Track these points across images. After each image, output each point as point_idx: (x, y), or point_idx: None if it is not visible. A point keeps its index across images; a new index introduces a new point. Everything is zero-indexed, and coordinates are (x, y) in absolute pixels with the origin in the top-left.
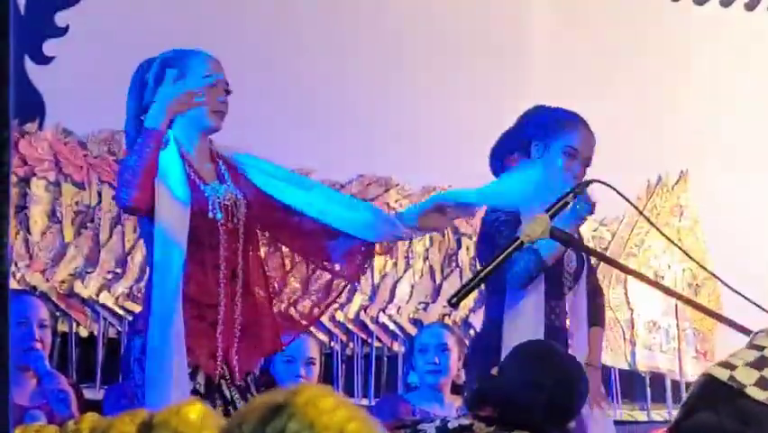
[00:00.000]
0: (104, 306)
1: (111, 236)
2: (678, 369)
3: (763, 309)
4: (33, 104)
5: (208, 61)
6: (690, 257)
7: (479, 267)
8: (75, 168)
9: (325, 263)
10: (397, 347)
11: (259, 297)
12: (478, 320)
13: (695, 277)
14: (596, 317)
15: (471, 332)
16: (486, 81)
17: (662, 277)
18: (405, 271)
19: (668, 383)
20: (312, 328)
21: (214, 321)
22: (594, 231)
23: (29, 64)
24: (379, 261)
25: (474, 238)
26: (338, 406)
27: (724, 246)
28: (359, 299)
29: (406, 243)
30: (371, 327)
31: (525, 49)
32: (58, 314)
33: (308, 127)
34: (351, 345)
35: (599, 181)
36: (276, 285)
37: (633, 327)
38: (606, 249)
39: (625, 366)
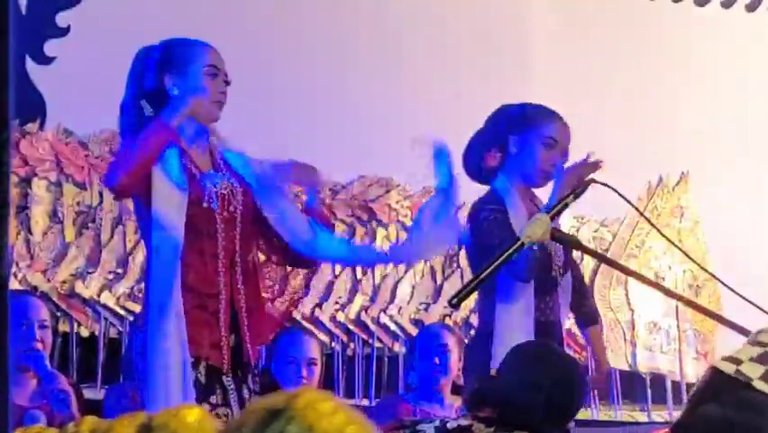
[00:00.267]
0: (105, 306)
1: (112, 237)
2: (678, 370)
3: (764, 311)
4: (34, 104)
5: (209, 51)
6: (691, 258)
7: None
8: (76, 168)
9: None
10: (398, 348)
11: (256, 287)
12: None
13: (695, 278)
14: (589, 315)
15: (472, 332)
16: (487, 82)
17: (663, 278)
18: (406, 272)
19: (668, 384)
20: (313, 329)
21: (216, 310)
22: (595, 232)
23: (30, 64)
24: None
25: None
26: (337, 410)
27: (724, 247)
28: (360, 300)
29: None
30: (372, 327)
31: (525, 50)
32: (59, 314)
33: (309, 127)
34: (351, 345)
35: (600, 182)
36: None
37: (633, 328)
38: (606, 250)
39: (625, 367)
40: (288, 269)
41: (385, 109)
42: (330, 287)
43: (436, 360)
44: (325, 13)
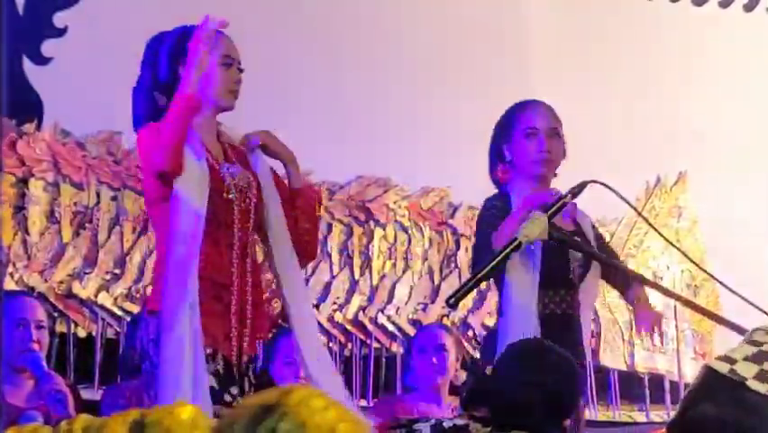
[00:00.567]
0: (102, 306)
1: (109, 237)
2: (677, 370)
3: (762, 310)
4: (32, 104)
5: (223, 41)
6: (689, 258)
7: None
8: (73, 168)
9: None
10: (396, 348)
11: (260, 280)
12: (476, 321)
13: (694, 278)
14: (625, 282)
15: (470, 333)
16: (485, 82)
17: (661, 278)
18: (403, 272)
19: (667, 384)
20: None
21: (229, 301)
22: None
23: (27, 64)
24: (377, 262)
25: (473, 240)
26: (329, 406)
27: (722, 247)
28: (357, 300)
29: (405, 244)
30: (370, 327)
31: (524, 49)
32: (56, 315)
33: (307, 128)
34: (349, 345)
35: (598, 182)
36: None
37: (632, 329)
38: None
39: (623, 367)
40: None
41: (383, 110)
42: (327, 287)
43: (434, 360)
44: (323, 13)
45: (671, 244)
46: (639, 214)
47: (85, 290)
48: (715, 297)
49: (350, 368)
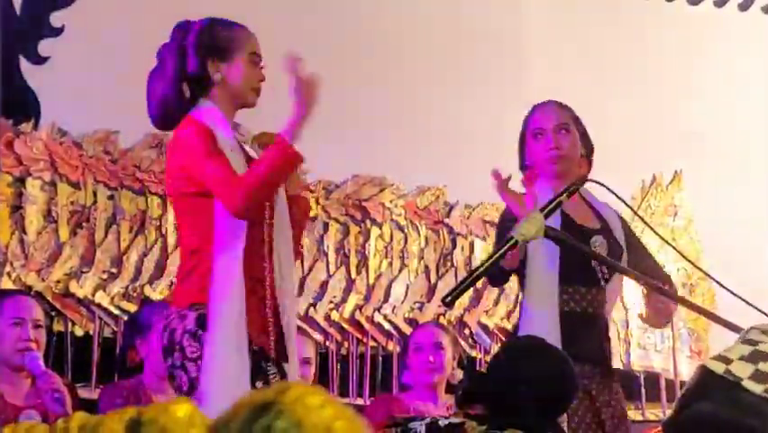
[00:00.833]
0: (99, 306)
1: (106, 236)
2: (672, 368)
3: (757, 309)
4: (28, 103)
5: (252, 38)
6: (685, 257)
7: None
8: (70, 168)
9: None
10: (392, 347)
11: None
12: (473, 320)
13: (689, 276)
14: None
15: (466, 331)
16: (481, 81)
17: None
18: (400, 271)
19: (662, 383)
20: (307, 328)
21: (263, 295)
22: None
23: (24, 64)
24: (374, 261)
25: (469, 238)
26: (325, 404)
27: (718, 246)
28: (354, 299)
29: (402, 242)
30: (367, 326)
31: (520, 49)
32: (53, 314)
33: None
34: (346, 344)
35: (594, 181)
36: None
37: (627, 327)
38: None
39: (619, 366)
40: None
41: (379, 108)
42: (324, 286)
43: (430, 358)
44: (321, 13)
45: (666, 242)
46: (635, 213)
47: (82, 289)
48: (710, 295)
49: (346, 367)
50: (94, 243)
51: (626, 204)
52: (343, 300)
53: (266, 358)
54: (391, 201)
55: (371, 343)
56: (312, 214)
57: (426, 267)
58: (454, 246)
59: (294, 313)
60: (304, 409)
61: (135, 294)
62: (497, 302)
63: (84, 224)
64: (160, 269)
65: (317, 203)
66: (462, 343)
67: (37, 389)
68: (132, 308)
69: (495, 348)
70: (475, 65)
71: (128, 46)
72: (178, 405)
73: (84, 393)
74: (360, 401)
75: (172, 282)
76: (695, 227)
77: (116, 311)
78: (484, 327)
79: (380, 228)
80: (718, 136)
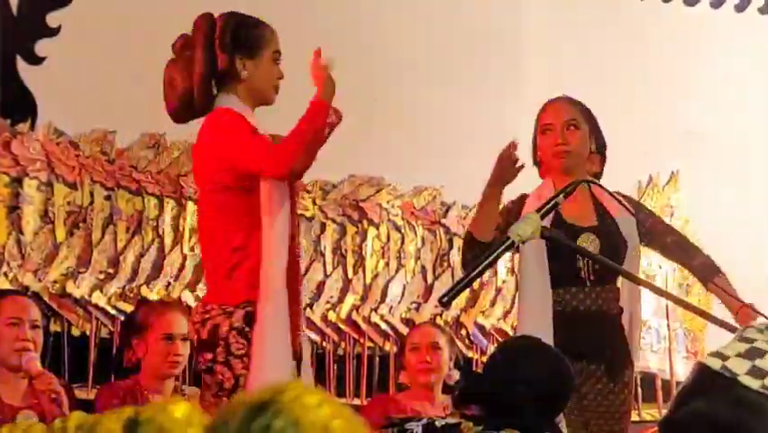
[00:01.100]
0: (96, 306)
1: (103, 237)
2: (668, 369)
3: (754, 309)
4: (25, 104)
5: (275, 35)
6: None
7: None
8: (67, 168)
9: None
10: (389, 347)
11: None
12: (469, 320)
13: (685, 277)
14: (702, 271)
15: (463, 332)
16: (479, 82)
17: (653, 277)
18: (397, 271)
19: (658, 383)
20: (304, 328)
21: (298, 291)
22: None
23: (21, 64)
24: (371, 261)
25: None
26: (323, 403)
27: (714, 246)
28: (351, 299)
29: (398, 243)
30: (363, 326)
31: (517, 49)
32: (50, 314)
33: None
34: (342, 344)
35: (590, 181)
36: None
37: None
38: None
39: None
40: None
41: (375, 109)
42: (321, 286)
43: (427, 359)
44: (318, 12)
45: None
46: (631, 213)
47: (79, 289)
48: (707, 295)
49: (343, 367)
50: (91, 243)
51: (622, 204)
52: (340, 301)
53: (297, 358)
54: (388, 201)
55: (368, 343)
56: (309, 214)
57: (423, 267)
58: (451, 247)
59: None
60: (301, 408)
61: (132, 294)
62: (493, 303)
63: (81, 224)
64: (156, 269)
65: (314, 203)
66: (459, 343)
67: (34, 389)
68: (129, 308)
69: (491, 349)
70: (473, 65)
71: (124, 46)
72: (175, 405)
73: (81, 394)
74: (356, 402)
75: (169, 283)
76: (691, 228)
77: (113, 311)
78: (481, 328)
79: (377, 229)
80: (715, 137)
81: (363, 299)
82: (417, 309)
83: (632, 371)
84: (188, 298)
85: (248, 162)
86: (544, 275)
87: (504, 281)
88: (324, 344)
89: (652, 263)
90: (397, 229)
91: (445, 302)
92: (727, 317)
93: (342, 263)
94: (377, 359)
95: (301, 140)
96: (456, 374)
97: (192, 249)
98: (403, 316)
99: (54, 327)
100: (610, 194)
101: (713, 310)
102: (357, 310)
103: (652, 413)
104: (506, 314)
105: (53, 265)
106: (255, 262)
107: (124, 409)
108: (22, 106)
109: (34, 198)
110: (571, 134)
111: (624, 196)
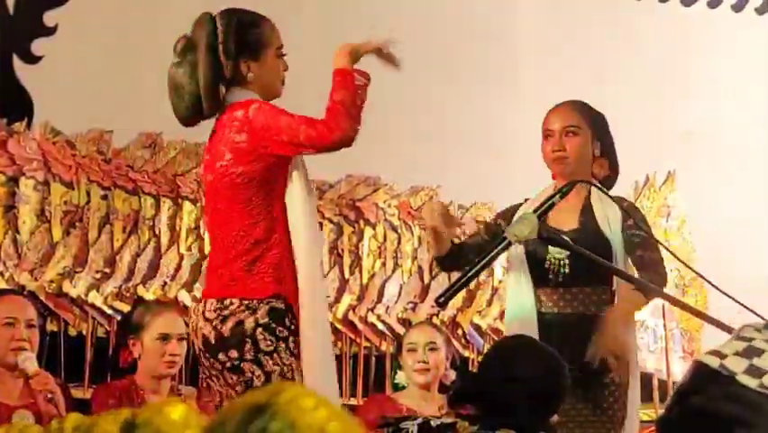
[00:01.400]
0: (92, 305)
1: (100, 236)
2: (665, 369)
3: (750, 309)
4: (22, 103)
5: (277, 31)
6: (677, 257)
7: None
8: (63, 167)
9: None
10: (386, 347)
11: None
12: (465, 320)
13: (682, 277)
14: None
15: (459, 332)
16: (475, 82)
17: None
18: (393, 271)
19: (655, 383)
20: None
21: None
22: None
23: (17, 63)
24: (367, 261)
25: (463, 239)
26: (320, 405)
27: (710, 246)
28: (347, 299)
29: (395, 243)
30: (360, 326)
31: (512, 49)
32: (46, 313)
33: None
34: (339, 344)
35: (586, 181)
36: None
37: None
38: None
39: None
40: None
41: (372, 108)
42: None
43: (424, 358)
44: (315, 11)
45: (659, 243)
46: (628, 213)
47: (75, 288)
48: (703, 296)
49: (339, 367)
50: (87, 242)
51: (618, 204)
52: (337, 300)
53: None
54: (385, 201)
55: (365, 343)
56: None
57: (420, 267)
58: None
59: None
60: (298, 410)
61: (128, 294)
62: (490, 303)
63: (77, 223)
64: (153, 269)
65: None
66: (455, 343)
67: (30, 389)
68: (126, 307)
69: (488, 348)
70: (470, 65)
71: (121, 46)
72: (172, 406)
73: (77, 393)
74: (353, 402)
75: (165, 282)
76: (688, 228)
77: (109, 311)
78: (477, 328)
79: (374, 228)
80: (712, 137)
81: (360, 298)
82: (414, 309)
83: (620, 372)
84: (185, 297)
85: (299, 136)
86: (523, 276)
87: (500, 281)
88: None
89: None
90: (394, 229)
91: (442, 302)
92: (723, 317)
93: (338, 263)
94: (373, 359)
95: (342, 106)
96: (453, 374)
97: (189, 249)
98: (400, 316)
99: (51, 327)
100: (610, 198)
101: (709, 311)
102: (354, 310)
103: (648, 413)
104: (502, 314)
105: (50, 265)
106: (278, 255)
107: (121, 411)
108: (18, 105)
109: (31, 197)
110: (569, 141)
111: (623, 201)
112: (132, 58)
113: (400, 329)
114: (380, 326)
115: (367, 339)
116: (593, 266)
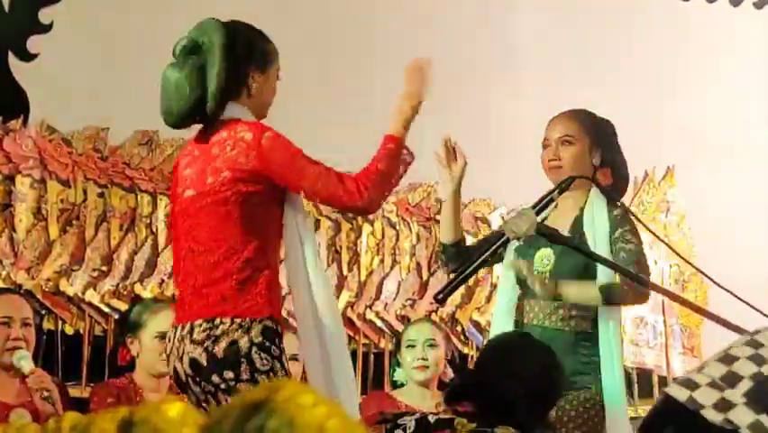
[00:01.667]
0: (89, 304)
1: (96, 234)
2: (665, 365)
3: (749, 305)
4: (18, 101)
5: (277, 52)
6: (677, 253)
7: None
8: (60, 165)
9: None
10: (384, 344)
11: None
12: (464, 316)
13: (682, 273)
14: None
15: (458, 328)
16: (472, 79)
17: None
18: (392, 268)
19: (655, 379)
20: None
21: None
22: None
23: (13, 61)
24: (366, 258)
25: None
26: (318, 403)
27: (710, 242)
28: (346, 296)
29: (393, 239)
30: (358, 323)
31: (512, 46)
32: (43, 312)
33: (294, 124)
34: None
35: (585, 178)
36: None
37: (620, 324)
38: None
39: None
40: None
41: (370, 105)
42: None
43: (424, 354)
44: (312, 10)
45: (658, 238)
46: (626, 209)
47: (72, 287)
48: (703, 291)
49: None
50: (84, 240)
51: (617, 200)
52: (335, 297)
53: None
54: None
55: (363, 340)
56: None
57: (418, 264)
58: None
59: None
60: (296, 407)
61: (126, 292)
62: (489, 299)
63: (74, 221)
64: (150, 267)
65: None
66: (455, 340)
67: (27, 387)
68: (123, 306)
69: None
70: (467, 62)
71: (117, 43)
72: (170, 404)
73: (74, 392)
74: None
75: (163, 280)
76: (687, 223)
77: (107, 309)
78: (476, 324)
79: (372, 225)
80: (711, 132)
81: (358, 295)
82: (413, 306)
83: (597, 389)
84: None
85: (322, 192)
86: (509, 280)
87: (499, 278)
88: None
89: (648, 259)
90: (392, 226)
91: (441, 299)
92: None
93: (336, 260)
94: (372, 356)
95: (383, 176)
96: (451, 371)
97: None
98: (398, 312)
99: (47, 325)
100: (608, 200)
101: (709, 306)
102: (352, 307)
103: (648, 410)
104: None
105: (46, 263)
106: (270, 275)
107: (119, 410)
108: (14, 103)
109: (27, 195)
110: (564, 150)
111: (616, 208)
112: (128, 55)
113: (399, 326)
114: (379, 323)
115: (365, 336)
116: (575, 278)
